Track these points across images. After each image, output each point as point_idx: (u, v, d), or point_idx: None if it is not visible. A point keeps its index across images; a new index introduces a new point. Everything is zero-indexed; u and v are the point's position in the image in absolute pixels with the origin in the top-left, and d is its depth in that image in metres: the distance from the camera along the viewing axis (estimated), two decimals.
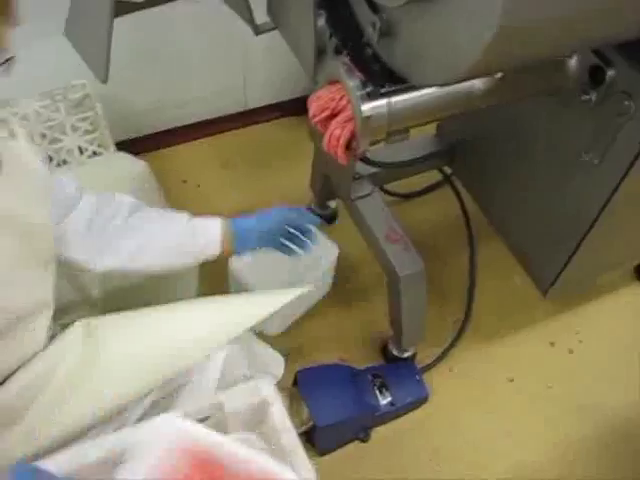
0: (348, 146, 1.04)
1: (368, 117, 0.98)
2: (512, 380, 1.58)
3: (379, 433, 1.45)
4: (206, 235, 1.01)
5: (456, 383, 1.55)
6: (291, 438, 0.78)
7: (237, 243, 1.03)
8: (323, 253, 1.48)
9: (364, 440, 1.42)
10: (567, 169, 1.21)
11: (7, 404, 0.84)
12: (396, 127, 1.03)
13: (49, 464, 0.73)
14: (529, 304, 1.70)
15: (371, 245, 1.42)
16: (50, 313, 0.88)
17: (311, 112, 1.04)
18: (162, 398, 0.94)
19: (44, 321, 0.87)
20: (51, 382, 0.85)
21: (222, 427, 0.83)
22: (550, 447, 1.49)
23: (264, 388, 0.80)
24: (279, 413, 0.79)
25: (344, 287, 1.66)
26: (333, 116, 1.04)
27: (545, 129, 1.25)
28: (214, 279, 1.43)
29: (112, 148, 1.44)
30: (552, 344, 1.66)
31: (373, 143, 1.04)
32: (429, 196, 1.84)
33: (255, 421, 0.83)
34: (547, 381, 1.59)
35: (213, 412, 0.79)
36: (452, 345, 1.59)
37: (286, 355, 1.15)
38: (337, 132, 1.02)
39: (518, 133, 1.34)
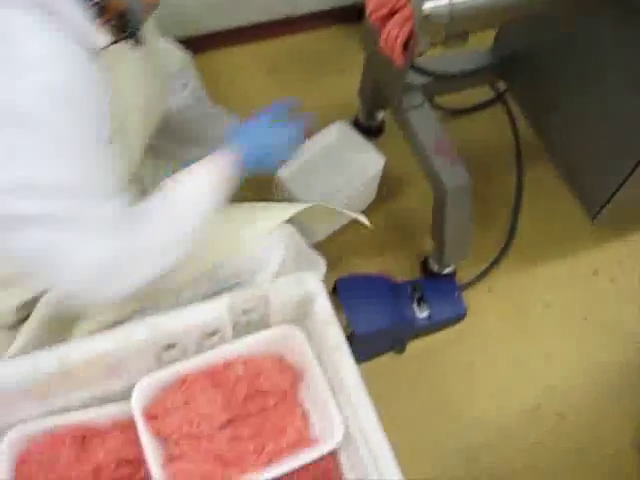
0: (405, 47, 0.99)
1: (427, 15, 0.93)
2: (550, 304, 1.56)
3: (415, 346, 1.45)
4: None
5: (494, 303, 1.54)
6: (336, 331, 0.77)
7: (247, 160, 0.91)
8: (369, 163, 1.46)
9: (400, 352, 1.42)
10: (633, 88, 1.16)
11: None
12: (456, 29, 0.98)
13: None
14: (574, 230, 1.66)
15: (419, 157, 1.39)
16: None
17: (369, 8, 0.99)
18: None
19: None
20: None
21: (266, 319, 0.83)
22: (581, 373, 1.48)
23: (310, 281, 0.79)
24: (324, 306, 0.78)
25: (387, 200, 1.64)
26: (391, 14, 1.00)
27: (612, 45, 1.19)
28: (262, 187, 1.41)
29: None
30: (594, 272, 1.63)
31: (430, 46, 1.00)
32: (479, 114, 1.78)
33: (300, 314, 0.82)
34: (585, 308, 1.57)
35: (258, 303, 0.78)
36: (492, 265, 1.57)
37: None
38: (395, 32, 0.98)
39: (581, 51, 1.28)
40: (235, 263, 0.92)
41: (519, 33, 1.47)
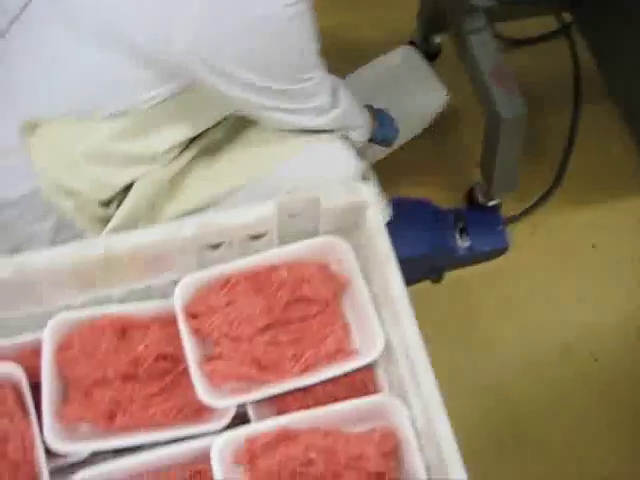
0: None
1: None
2: (595, 246, 1.53)
3: (452, 276, 1.43)
4: None
5: (537, 241, 1.51)
6: (385, 243, 0.75)
7: None
8: (431, 97, 1.41)
9: (436, 281, 1.40)
10: None
11: None
12: None
13: None
14: (625, 175, 1.62)
15: (475, 84, 1.34)
16: None
17: None
18: None
19: None
20: None
21: (314, 227, 0.81)
22: (620, 317, 1.45)
23: (364, 190, 0.77)
24: (376, 216, 0.76)
25: (437, 127, 1.59)
26: None
27: None
28: None
29: None
30: None
31: None
32: (541, 46, 1.72)
33: (349, 224, 0.81)
34: (631, 253, 1.53)
35: (308, 207, 0.77)
36: (538, 203, 1.54)
37: None
38: None
39: None
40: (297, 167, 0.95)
41: None
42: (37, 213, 0.95)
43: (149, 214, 0.95)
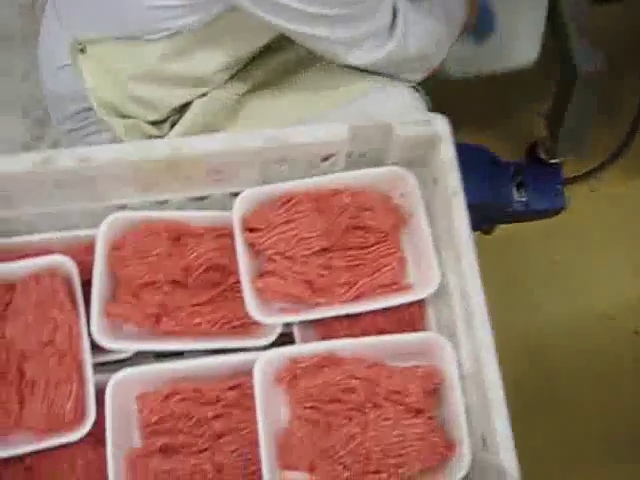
0: None
1: None
2: None
3: (503, 230, 1.40)
4: None
5: (594, 205, 1.48)
6: (456, 178, 0.73)
7: None
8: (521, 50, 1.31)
9: (487, 233, 1.37)
10: None
11: None
12: None
13: None
14: None
15: (556, 33, 1.28)
16: None
17: None
18: None
19: None
20: None
21: (382, 156, 0.79)
22: None
23: (440, 122, 0.74)
24: (448, 151, 0.74)
25: (501, 77, 1.54)
26: None
27: None
28: None
29: None
30: None
31: None
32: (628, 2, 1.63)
33: (418, 157, 0.79)
34: None
35: (380, 134, 0.74)
36: (602, 166, 1.49)
37: None
38: None
39: None
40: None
41: None
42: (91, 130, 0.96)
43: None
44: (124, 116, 0.92)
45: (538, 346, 1.38)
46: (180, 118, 0.94)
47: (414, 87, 0.97)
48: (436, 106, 1.40)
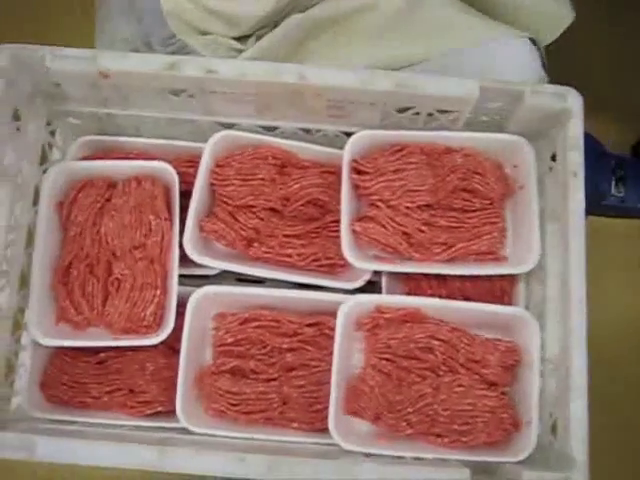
0: None
1: None
2: None
3: (591, 223, 1.35)
4: None
5: None
6: (579, 159, 0.71)
7: None
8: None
9: None
10: None
11: None
12: None
13: None
14: None
15: None
16: None
17: None
18: None
19: None
20: None
21: (505, 123, 0.77)
22: None
23: (573, 97, 0.71)
24: (577, 128, 0.71)
25: (627, 60, 1.47)
26: None
27: None
28: None
29: None
30: None
31: None
32: None
33: (542, 130, 0.76)
34: None
35: (509, 99, 0.72)
36: None
37: None
38: None
39: None
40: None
41: None
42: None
43: (296, 54, 0.88)
44: (205, 33, 0.88)
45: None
46: (267, 33, 0.87)
47: (532, 40, 0.89)
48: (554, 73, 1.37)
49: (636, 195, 1.32)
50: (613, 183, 1.30)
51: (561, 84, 0.74)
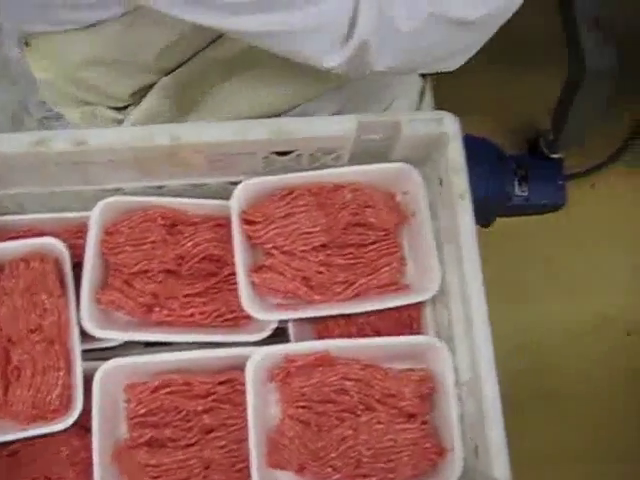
0: None
1: None
2: None
3: (501, 224, 1.38)
4: None
5: (594, 203, 1.46)
6: (463, 180, 0.71)
7: None
8: None
9: (485, 226, 1.36)
10: None
11: None
12: None
13: None
14: None
15: (567, 25, 1.26)
16: None
17: None
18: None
19: None
20: None
21: (388, 152, 0.77)
22: None
23: (449, 121, 0.72)
24: (457, 151, 0.72)
25: (510, 68, 1.51)
26: None
27: None
28: None
29: None
30: None
31: None
32: None
33: (424, 155, 0.77)
34: None
35: (388, 130, 0.72)
36: (604, 163, 1.47)
37: None
38: None
39: None
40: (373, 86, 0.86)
41: None
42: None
43: (175, 116, 0.87)
44: (80, 104, 0.86)
45: (532, 342, 1.37)
46: (142, 100, 0.86)
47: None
48: (440, 96, 1.39)
49: (539, 192, 1.35)
50: (516, 183, 1.33)
51: (448, 94, 0.74)
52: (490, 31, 0.68)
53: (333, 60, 0.64)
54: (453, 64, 0.72)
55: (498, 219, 1.38)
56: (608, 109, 1.39)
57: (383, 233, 0.78)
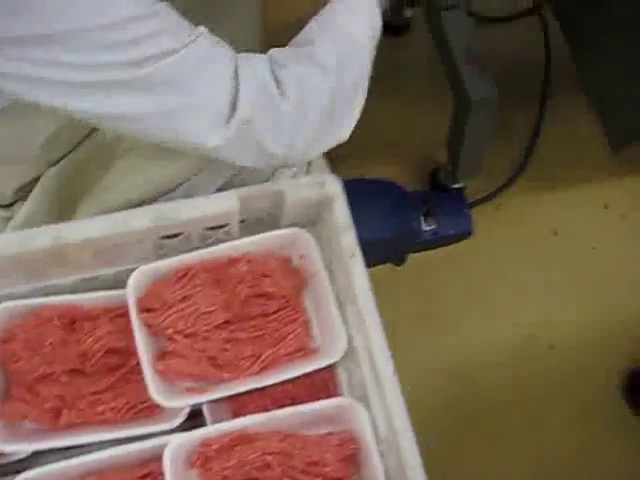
0: None
1: None
2: (557, 233, 1.52)
3: (415, 259, 1.40)
4: None
5: (501, 225, 1.50)
6: (352, 239, 0.72)
7: None
8: None
9: (399, 264, 1.37)
10: None
11: None
12: None
13: None
14: (590, 161, 1.61)
15: (445, 63, 1.30)
16: None
17: None
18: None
19: None
20: None
21: (277, 219, 0.77)
22: (580, 307, 1.45)
23: (330, 183, 0.73)
24: (342, 212, 0.73)
25: (403, 105, 1.55)
26: None
27: None
28: None
29: None
30: (605, 206, 1.58)
31: None
32: (514, 23, 1.68)
33: (314, 217, 0.77)
34: (592, 241, 1.53)
35: (272, 200, 0.73)
36: (504, 186, 1.52)
37: None
38: None
39: None
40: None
41: None
42: None
43: (60, 212, 0.86)
44: None
45: (463, 368, 1.39)
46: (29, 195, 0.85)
47: None
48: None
49: (446, 224, 1.37)
50: (422, 219, 1.35)
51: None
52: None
53: (214, 140, 0.65)
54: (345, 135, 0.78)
55: (411, 255, 1.40)
56: (501, 131, 1.44)
57: (284, 300, 0.78)
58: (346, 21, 0.72)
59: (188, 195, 0.87)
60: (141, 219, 0.70)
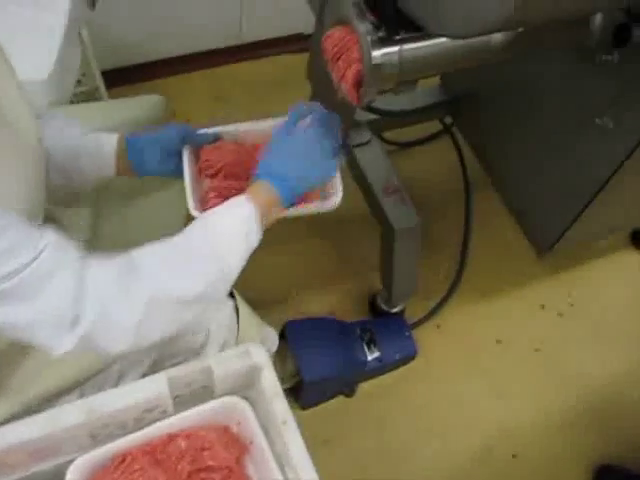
0: (356, 87, 0.96)
1: (378, 65, 0.90)
2: (500, 341, 1.56)
3: (364, 388, 1.42)
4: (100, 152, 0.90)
5: (444, 341, 1.53)
6: (282, 406, 0.74)
7: (131, 158, 0.92)
8: None
9: (349, 395, 1.39)
10: (579, 131, 1.16)
11: None
12: (407, 77, 0.96)
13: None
14: (522, 265, 1.67)
15: (366, 195, 1.37)
16: None
17: (323, 49, 0.96)
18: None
19: None
20: None
21: (209, 390, 0.79)
22: (534, 412, 1.47)
23: (256, 353, 0.76)
24: (270, 380, 0.75)
25: (333, 238, 1.61)
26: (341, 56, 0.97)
27: (558, 87, 1.19)
28: None
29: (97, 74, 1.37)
30: (542, 306, 1.63)
31: (381, 92, 0.97)
32: (428, 146, 1.78)
33: (245, 385, 0.79)
34: (535, 344, 1.57)
35: (201, 376, 0.75)
36: (442, 303, 1.56)
37: None
38: (346, 72, 0.94)
39: (528, 89, 1.28)
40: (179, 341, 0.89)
41: (466, 72, 1.46)
42: None
43: None
44: None
45: None
46: None
47: None
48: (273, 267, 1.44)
49: (390, 349, 1.41)
50: (366, 349, 1.38)
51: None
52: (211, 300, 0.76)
53: (63, 347, 0.67)
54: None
55: (360, 384, 1.42)
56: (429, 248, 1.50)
57: (227, 470, 0.78)
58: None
59: (120, 374, 0.89)
60: (73, 415, 0.71)
